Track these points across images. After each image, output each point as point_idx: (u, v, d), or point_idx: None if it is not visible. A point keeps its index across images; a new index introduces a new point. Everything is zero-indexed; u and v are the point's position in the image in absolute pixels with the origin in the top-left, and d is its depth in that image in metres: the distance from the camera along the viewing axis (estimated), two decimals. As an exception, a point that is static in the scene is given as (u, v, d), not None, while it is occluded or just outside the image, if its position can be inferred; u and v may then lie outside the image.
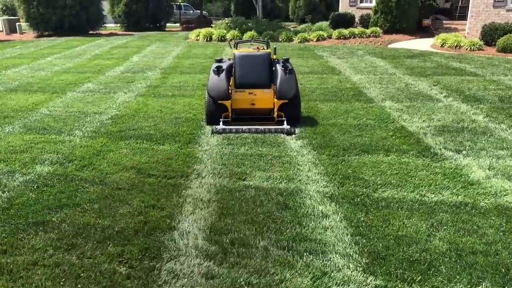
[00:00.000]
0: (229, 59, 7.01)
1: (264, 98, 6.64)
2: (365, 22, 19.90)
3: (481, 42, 14.63)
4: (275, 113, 6.52)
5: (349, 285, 2.92)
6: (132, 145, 5.77)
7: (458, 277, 2.99)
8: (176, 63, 12.71)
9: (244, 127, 6.34)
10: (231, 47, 7.68)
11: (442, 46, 15.22)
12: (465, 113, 7.15)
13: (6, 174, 4.76)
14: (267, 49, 7.14)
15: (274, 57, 6.92)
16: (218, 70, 6.61)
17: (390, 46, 16.48)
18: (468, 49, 14.25)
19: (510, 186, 4.47)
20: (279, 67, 6.60)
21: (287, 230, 3.60)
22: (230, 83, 6.66)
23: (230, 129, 6.31)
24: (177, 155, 5.41)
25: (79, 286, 2.82)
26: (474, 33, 16.09)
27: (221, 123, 6.46)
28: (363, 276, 3.02)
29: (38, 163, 5.13)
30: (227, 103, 6.50)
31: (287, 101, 6.45)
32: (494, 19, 15.56)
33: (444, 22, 20.56)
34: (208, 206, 4.04)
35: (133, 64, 12.48)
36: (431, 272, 3.05)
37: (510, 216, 3.84)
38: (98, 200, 4.13)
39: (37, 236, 3.45)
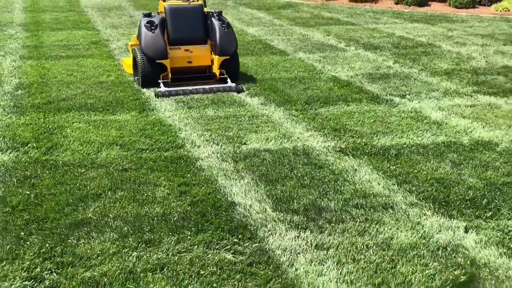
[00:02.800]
0: (158, 13, 6.37)
1: (202, 55, 6.26)
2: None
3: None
4: (217, 71, 6.21)
5: (445, 232, 3.10)
6: (81, 119, 4.97)
7: (515, 207, 3.41)
8: (33, 17, 10.96)
9: (190, 88, 5.94)
10: (158, -1, 6.96)
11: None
12: (376, 60, 7.77)
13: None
14: (197, 1, 6.65)
15: (205, 10, 6.50)
16: (151, 26, 5.98)
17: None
18: (321, -1, 15.19)
19: (470, 123, 5.11)
20: (215, 21, 6.24)
21: (343, 189, 3.61)
22: (165, 40, 6.09)
23: (177, 91, 5.85)
24: (146, 124, 4.86)
25: (215, 285, 2.46)
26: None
27: (161, 85, 5.93)
28: (446, 220, 3.23)
29: (-16, 151, 4.10)
30: (166, 62, 5.97)
31: (228, 57, 6.20)
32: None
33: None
34: (242, 177, 3.78)
35: (-23, 21, 10.38)
36: (493, 206, 3.41)
37: (496, 151, 4.42)
38: (116, 186, 3.53)
39: (95, 239, 2.84)
